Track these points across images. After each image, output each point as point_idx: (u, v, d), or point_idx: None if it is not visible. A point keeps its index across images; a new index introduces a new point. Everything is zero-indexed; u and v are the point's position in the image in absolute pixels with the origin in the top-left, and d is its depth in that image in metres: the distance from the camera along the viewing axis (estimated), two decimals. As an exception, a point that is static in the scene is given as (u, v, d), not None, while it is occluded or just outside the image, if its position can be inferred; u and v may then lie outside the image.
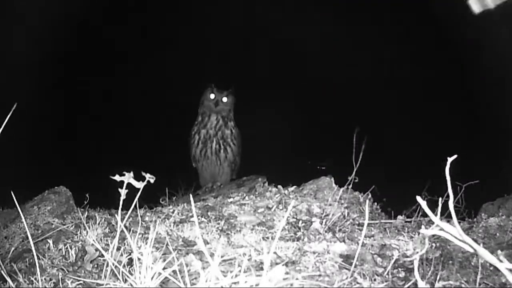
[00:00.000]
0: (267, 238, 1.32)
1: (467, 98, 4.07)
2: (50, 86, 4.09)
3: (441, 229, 0.88)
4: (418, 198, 0.89)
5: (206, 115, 2.72)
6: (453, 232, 0.87)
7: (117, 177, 1.08)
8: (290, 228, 1.41)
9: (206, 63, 4.35)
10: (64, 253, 1.21)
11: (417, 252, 1.17)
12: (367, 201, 1.62)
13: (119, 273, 1.00)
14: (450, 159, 0.87)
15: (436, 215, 0.88)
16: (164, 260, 1.02)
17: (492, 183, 1.92)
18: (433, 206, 0.90)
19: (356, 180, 1.55)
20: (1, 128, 1.05)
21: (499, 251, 1.16)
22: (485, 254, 0.84)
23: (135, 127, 4.38)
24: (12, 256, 1.26)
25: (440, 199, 1.05)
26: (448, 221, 1.33)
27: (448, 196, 0.88)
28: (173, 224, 1.42)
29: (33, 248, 1.03)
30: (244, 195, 1.79)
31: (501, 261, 0.82)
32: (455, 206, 1.04)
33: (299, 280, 0.98)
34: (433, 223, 1.47)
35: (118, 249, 1.11)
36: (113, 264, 1.02)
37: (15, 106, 1.09)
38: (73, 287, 1.04)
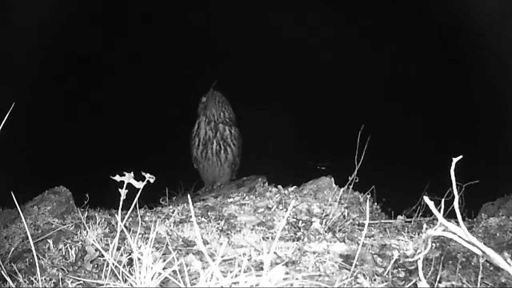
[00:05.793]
0: (267, 238, 1.32)
1: (467, 98, 4.07)
2: (50, 86, 4.09)
3: (445, 230, 0.87)
4: (426, 198, 0.87)
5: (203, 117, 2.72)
6: (459, 232, 0.86)
7: (117, 177, 1.08)
8: (290, 228, 1.40)
9: (206, 63, 4.35)
10: (64, 253, 1.21)
11: (419, 253, 1.17)
12: (367, 201, 1.62)
13: (119, 273, 1.00)
14: (455, 160, 0.85)
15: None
16: (164, 260, 1.01)
17: (492, 183, 1.92)
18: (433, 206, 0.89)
19: (357, 180, 1.55)
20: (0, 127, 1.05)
21: (505, 253, 1.16)
22: (492, 256, 0.83)
23: (135, 127, 4.39)
24: (12, 256, 1.26)
25: (443, 199, 1.05)
26: (449, 221, 1.33)
27: (449, 196, 0.87)
28: (173, 224, 1.42)
29: (33, 248, 1.03)
30: (244, 195, 1.78)
31: (509, 263, 0.81)
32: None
33: (299, 280, 0.98)
34: (433, 223, 1.47)
35: (118, 249, 1.11)
36: (113, 264, 1.02)
37: (13, 106, 1.08)
38: (73, 287, 1.04)
